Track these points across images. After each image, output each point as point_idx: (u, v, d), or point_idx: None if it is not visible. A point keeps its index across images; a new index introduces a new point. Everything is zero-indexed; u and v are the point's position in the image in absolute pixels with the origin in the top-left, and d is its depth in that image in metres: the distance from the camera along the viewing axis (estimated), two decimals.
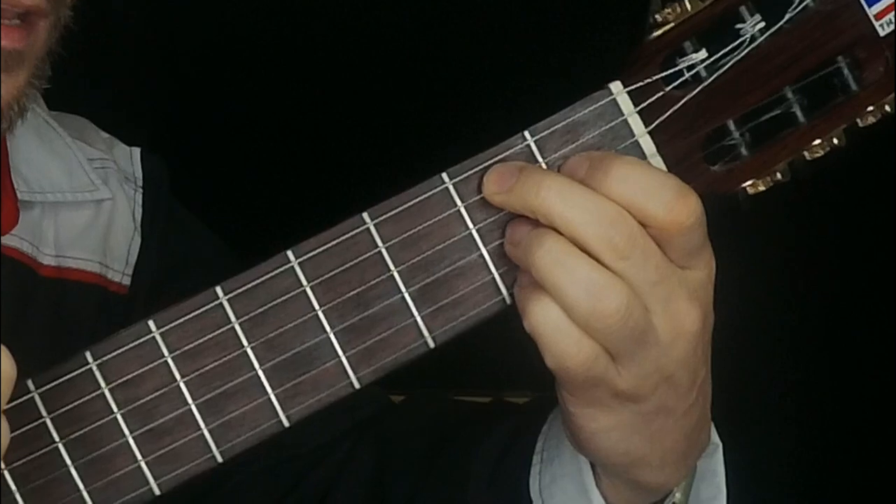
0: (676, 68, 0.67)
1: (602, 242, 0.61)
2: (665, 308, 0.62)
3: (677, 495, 0.73)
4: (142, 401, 0.62)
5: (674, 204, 0.62)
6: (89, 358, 0.62)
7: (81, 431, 0.61)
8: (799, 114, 0.69)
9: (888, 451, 1.86)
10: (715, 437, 0.76)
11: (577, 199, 0.62)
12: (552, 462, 0.76)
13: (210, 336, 0.62)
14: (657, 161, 0.66)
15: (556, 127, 0.65)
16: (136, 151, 0.94)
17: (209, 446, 0.62)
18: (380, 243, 0.64)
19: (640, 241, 0.62)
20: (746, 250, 1.41)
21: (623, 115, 0.66)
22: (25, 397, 0.61)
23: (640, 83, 0.66)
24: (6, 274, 0.79)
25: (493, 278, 0.64)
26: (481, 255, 0.64)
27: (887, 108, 0.70)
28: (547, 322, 0.62)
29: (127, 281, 0.89)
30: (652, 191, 0.62)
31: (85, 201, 0.87)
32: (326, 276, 0.63)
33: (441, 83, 1.69)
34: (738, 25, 0.67)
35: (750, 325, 1.62)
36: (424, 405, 0.91)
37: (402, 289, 0.64)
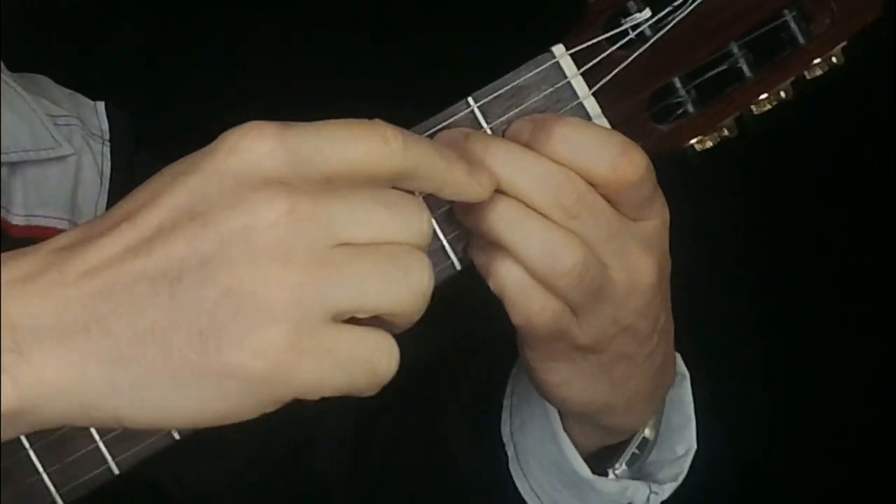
0: (621, 28, 0.67)
1: (550, 205, 0.62)
2: (620, 262, 0.63)
3: (646, 431, 0.75)
4: None
5: (618, 161, 0.62)
6: None
7: None
8: (745, 69, 0.69)
9: (852, 376, 1.89)
10: (682, 368, 0.78)
11: (523, 164, 0.62)
12: (521, 406, 0.77)
13: None
14: (602, 122, 0.66)
15: (499, 92, 0.65)
16: (101, 105, 0.94)
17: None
18: None
19: (589, 199, 0.62)
20: (702, 196, 1.42)
21: (566, 77, 0.66)
22: None
23: (584, 45, 0.66)
24: None
25: (442, 244, 0.65)
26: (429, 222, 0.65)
27: (834, 59, 0.70)
28: (513, 282, 0.63)
29: None
30: (595, 150, 0.62)
31: (49, 159, 0.87)
32: None
33: (382, 48, 1.68)
34: None
35: (713, 259, 1.64)
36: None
37: None
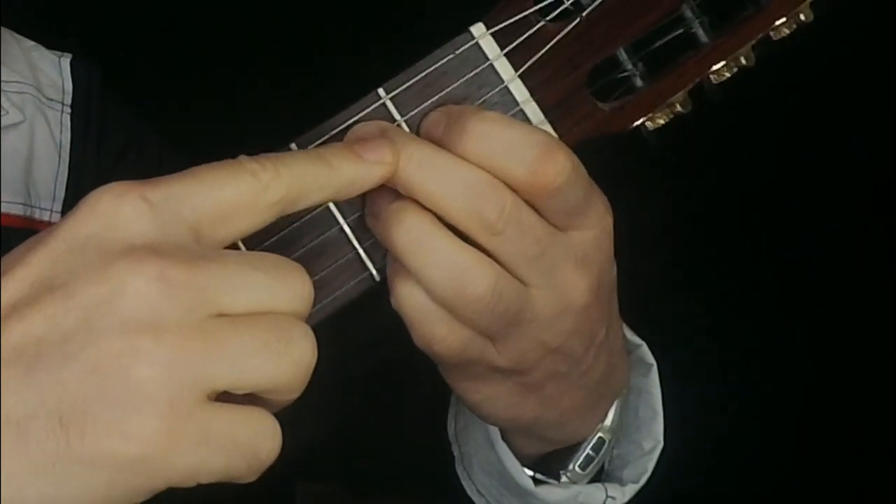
0: None
1: (471, 217, 0.55)
2: (549, 282, 0.57)
3: (602, 432, 0.68)
4: None
5: (538, 163, 0.55)
6: None
7: None
8: (701, 33, 0.62)
9: (817, 369, 1.83)
10: (649, 358, 0.71)
11: (441, 170, 0.55)
12: (463, 408, 0.72)
13: None
14: (531, 107, 0.59)
15: (413, 80, 0.58)
16: (66, 60, 0.85)
17: None
18: None
19: (514, 212, 0.55)
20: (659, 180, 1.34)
21: (488, 59, 0.59)
22: None
23: (507, 22, 0.59)
24: None
25: (358, 253, 0.59)
26: (342, 230, 0.59)
27: (802, 16, 0.62)
28: (412, 304, 0.57)
29: (57, 218, 0.81)
30: (512, 150, 0.55)
31: None
32: None
33: (281, 36, 1.58)
34: None
35: (674, 243, 1.57)
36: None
37: None
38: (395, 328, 0.72)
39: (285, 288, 0.49)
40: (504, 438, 0.67)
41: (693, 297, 1.78)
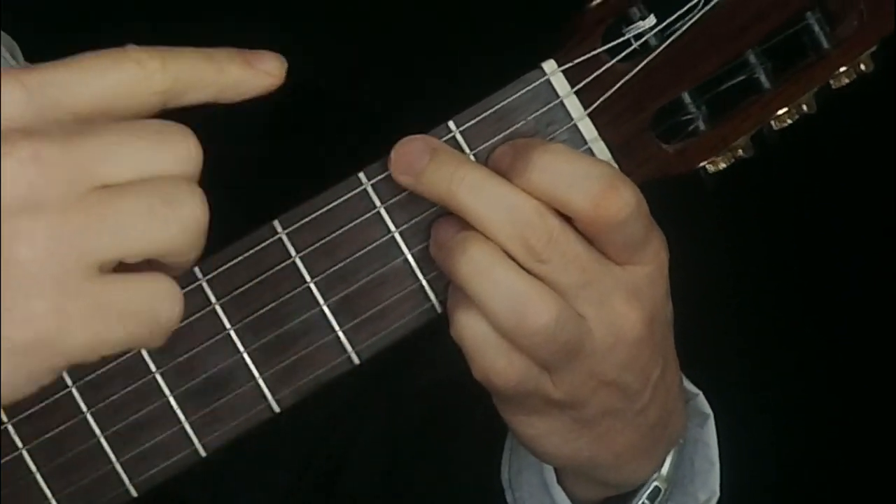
0: (622, 39, 0.60)
1: (517, 244, 0.56)
2: (599, 312, 0.57)
3: (658, 482, 0.68)
4: (48, 435, 0.58)
5: (601, 197, 0.55)
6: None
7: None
8: (763, 79, 0.62)
9: (867, 411, 1.82)
10: (705, 408, 0.71)
11: (491, 195, 0.56)
12: (518, 451, 0.71)
13: (116, 363, 0.58)
14: (599, 146, 0.60)
15: (484, 114, 0.59)
16: None
17: (121, 480, 0.58)
18: (293, 253, 0.58)
19: (561, 241, 0.56)
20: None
21: (559, 97, 0.59)
22: None
23: (578, 60, 0.59)
24: None
25: (421, 285, 0.59)
26: (406, 260, 0.59)
27: (862, 66, 0.63)
28: (473, 335, 0.57)
29: None
30: (576, 182, 0.55)
31: None
32: (237, 291, 0.58)
33: (353, 70, 1.57)
34: None
35: (732, 292, 1.56)
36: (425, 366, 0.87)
37: (321, 301, 0.58)
38: (448, 375, 0.72)
39: (169, 150, 0.47)
40: (559, 483, 0.67)
41: (745, 341, 1.76)
